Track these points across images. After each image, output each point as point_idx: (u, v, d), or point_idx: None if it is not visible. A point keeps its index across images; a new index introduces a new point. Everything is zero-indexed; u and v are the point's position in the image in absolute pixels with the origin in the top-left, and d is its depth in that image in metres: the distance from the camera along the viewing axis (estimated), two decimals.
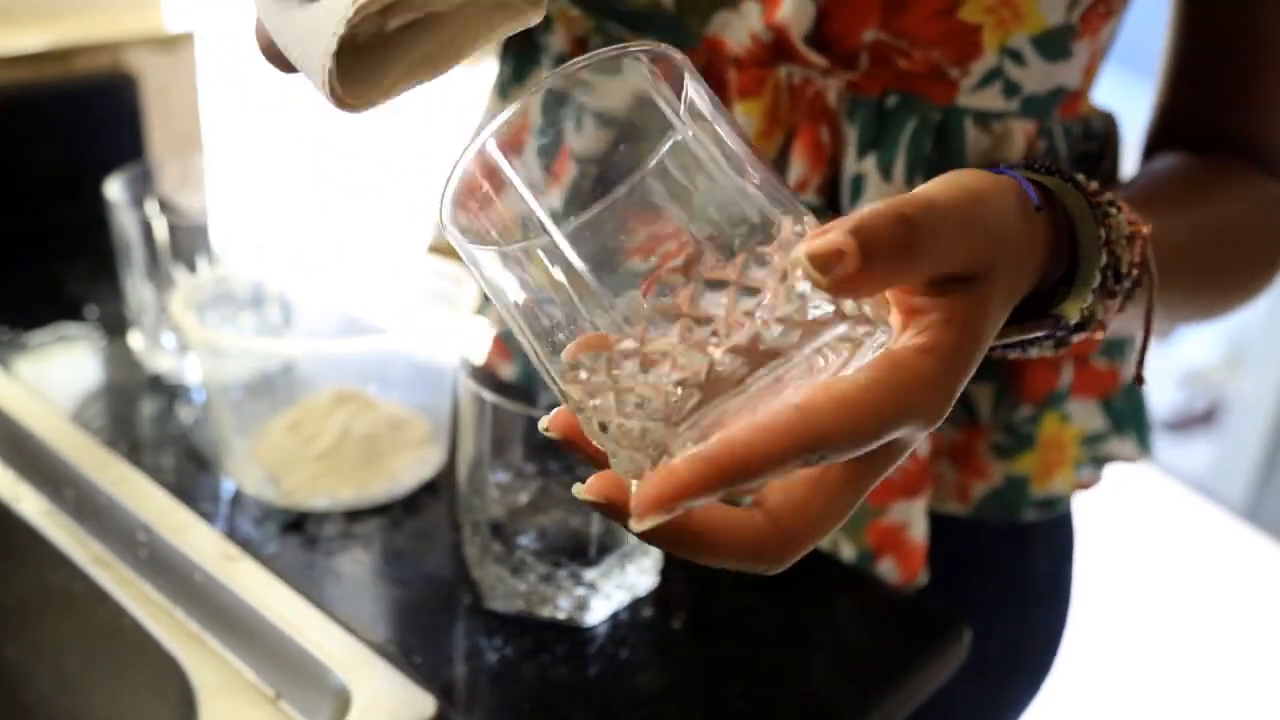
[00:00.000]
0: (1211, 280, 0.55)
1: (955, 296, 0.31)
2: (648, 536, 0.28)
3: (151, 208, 0.77)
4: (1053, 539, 0.68)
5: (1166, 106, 0.60)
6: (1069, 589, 0.71)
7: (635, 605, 0.58)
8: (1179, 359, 2.49)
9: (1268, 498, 2.29)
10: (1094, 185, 0.38)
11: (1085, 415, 0.64)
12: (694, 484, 0.27)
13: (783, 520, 0.31)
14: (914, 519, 0.60)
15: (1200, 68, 0.58)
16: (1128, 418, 0.65)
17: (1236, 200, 0.55)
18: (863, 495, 0.31)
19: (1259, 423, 2.32)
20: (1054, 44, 0.53)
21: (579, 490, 0.30)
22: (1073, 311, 0.37)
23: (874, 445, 0.29)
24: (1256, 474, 2.30)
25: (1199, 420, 2.47)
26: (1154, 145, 0.61)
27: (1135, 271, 0.38)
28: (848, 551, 0.61)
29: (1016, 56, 0.53)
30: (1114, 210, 0.38)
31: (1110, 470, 0.68)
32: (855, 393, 0.29)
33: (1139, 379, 0.43)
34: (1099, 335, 0.38)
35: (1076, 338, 0.38)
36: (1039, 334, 0.37)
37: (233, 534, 0.60)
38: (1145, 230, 0.38)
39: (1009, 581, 0.67)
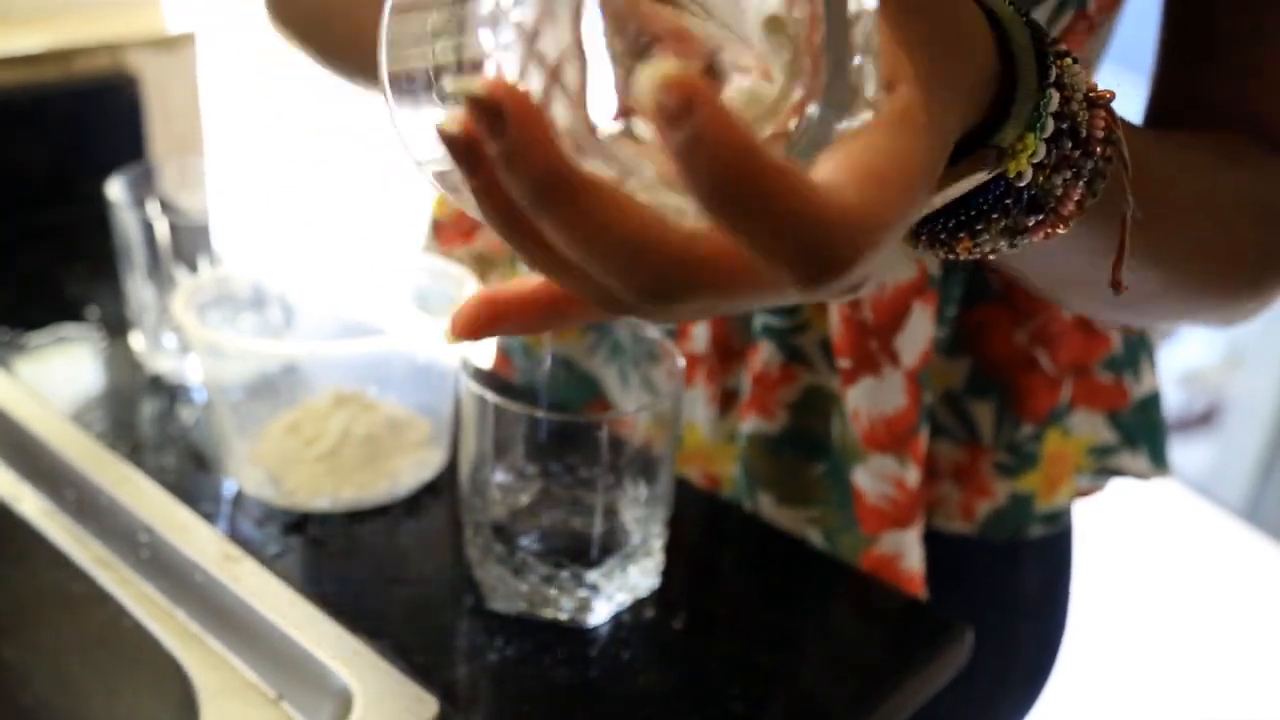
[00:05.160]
0: (1205, 234, 0.45)
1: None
2: (708, 156, 0.20)
3: (152, 208, 0.77)
4: (1047, 553, 0.67)
5: (1161, 88, 0.54)
6: (1065, 602, 0.70)
7: (637, 606, 0.58)
8: (1178, 359, 2.50)
9: (1267, 498, 2.29)
10: (1051, 34, 0.33)
11: (1089, 427, 0.63)
12: (721, 121, 0.19)
13: (864, 202, 0.23)
14: (907, 549, 0.59)
15: (1193, 39, 0.52)
16: (1140, 433, 0.65)
17: (1240, 164, 0.48)
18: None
19: (1258, 423, 2.32)
20: None
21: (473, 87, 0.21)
22: (1022, 159, 0.31)
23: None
24: (1256, 474, 2.30)
25: (1198, 421, 2.47)
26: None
27: (1100, 150, 0.33)
28: None
29: None
30: (1070, 61, 0.32)
31: (1117, 483, 0.67)
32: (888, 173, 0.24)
33: (1115, 284, 0.37)
34: (1059, 229, 0.33)
35: (1031, 220, 0.33)
36: (982, 176, 0.32)
37: (234, 535, 0.60)
38: (1109, 97, 0.33)
39: (999, 595, 0.67)
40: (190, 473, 0.66)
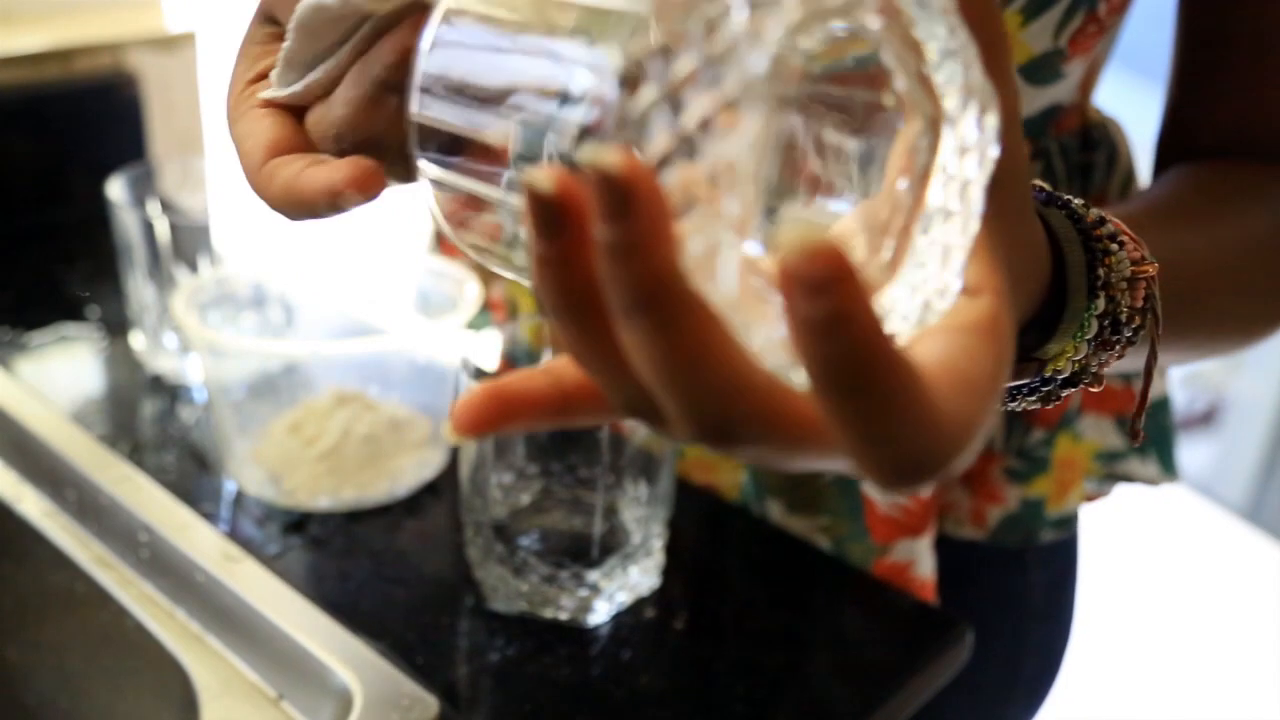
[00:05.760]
0: (1230, 310, 0.47)
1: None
2: (839, 340, 0.18)
3: (153, 208, 0.77)
4: (1052, 556, 0.67)
5: (1175, 109, 0.54)
6: (1070, 606, 0.70)
7: (637, 606, 0.58)
8: None
9: (1268, 498, 2.29)
10: (1094, 214, 0.33)
11: (1099, 432, 0.63)
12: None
13: (961, 426, 0.22)
14: (919, 557, 0.59)
15: (1208, 59, 0.52)
16: (1149, 439, 0.64)
17: (1262, 215, 0.48)
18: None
19: (1259, 423, 2.32)
20: (1042, 70, 0.51)
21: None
22: (1061, 360, 0.32)
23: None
24: (1256, 474, 2.30)
25: (1199, 421, 2.47)
26: (1166, 154, 0.55)
27: (1137, 320, 0.33)
28: None
29: None
30: (1115, 246, 0.32)
31: (1126, 489, 0.67)
32: (973, 370, 0.23)
33: (1134, 434, 0.37)
34: (1094, 388, 0.34)
35: (1066, 392, 0.34)
36: (1022, 381, 0.33)
37: (234, 534, 0.60)
38: (1152, 271, 0.33)
39: (1004, 599, 0.67)
40: (191, 472, 0.66)
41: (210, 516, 0.61)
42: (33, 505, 0.62)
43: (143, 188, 0.77)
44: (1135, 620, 1.98)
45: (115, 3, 1.04)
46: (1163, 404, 0.65)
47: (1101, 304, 0.32)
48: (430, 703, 0.49)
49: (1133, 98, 0.73)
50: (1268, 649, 1.97)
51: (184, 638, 0.55)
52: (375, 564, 0.60)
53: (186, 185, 0.80)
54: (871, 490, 0.58)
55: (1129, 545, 2.12)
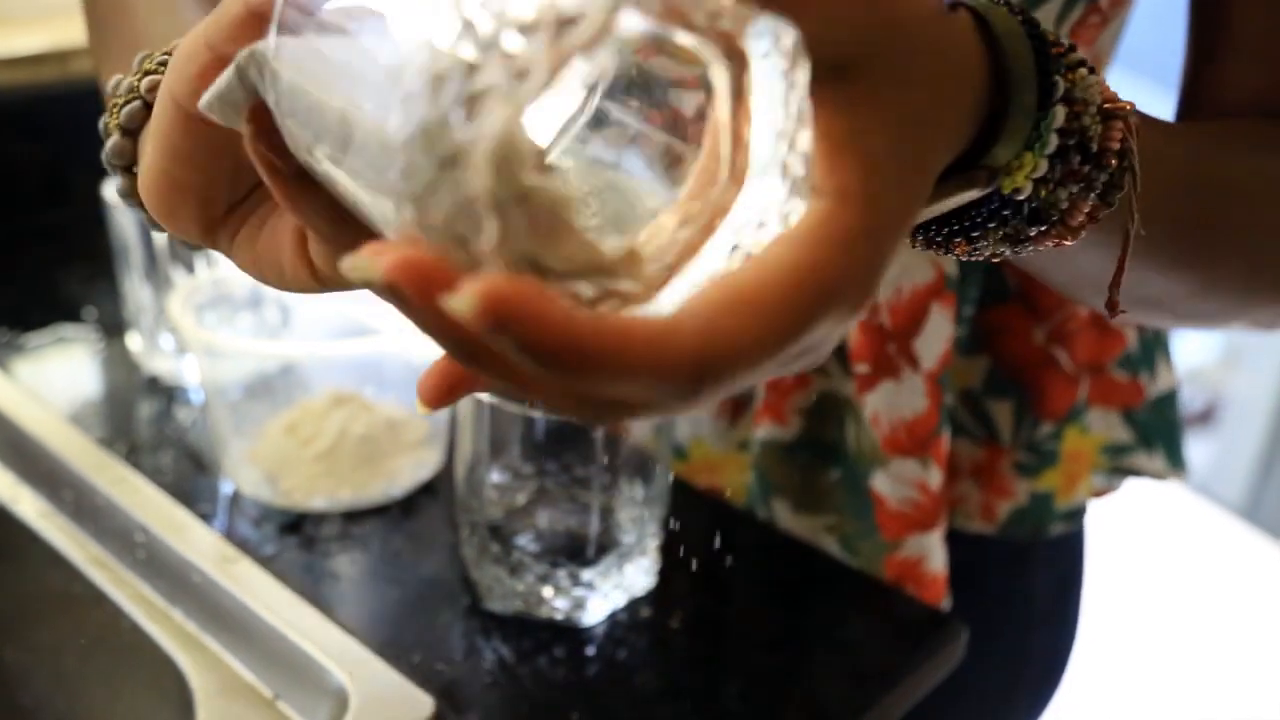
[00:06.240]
0: (1242, 228, 0.42)
1: (859, 109, 0.25)
2: (537, 357, 0.20)
3: None
4: (1058, 555, 0.67)
5: (1191, 80, 0.50)
6: (1075, 612, 0.70)
7: (633, 605, 0.58)
8: (1177, 358, 2.49)
9: (1266, 497, 2.29)
10: (1064, 41, 0.31)
11: (1105, 425, 0.63)
12: (529, 311, 0.20)
13: (708, 346, 0.22)
14: (931, 551, 0.59)
15: (1215, 31, 0.49)
16: (1156, 432, 0.64)
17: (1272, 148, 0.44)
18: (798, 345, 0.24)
19: (1257, 422, 2.32)
20: None
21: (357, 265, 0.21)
22: (1020, 176, 0.30)
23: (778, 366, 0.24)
24: (1255, 473, 2.30)
25: (1197, 420, 2.47)
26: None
27: (1113, 162, 0.31)
28: None
29: None
30: (1084, 71, 0.31)
31: (1133, 483, 0.67)
32: (761, 295, 0.23)
33: (1111, 305, 0.35)
34: (1068, 240, 0.32)
35: (1034, 230, 0.32)
36: (973, 194, 0.31)
37: (231, 535, 0.60)
38: (1128, 108, 0.31)
39: (1009, 599, 0.67)
40: (187, 473, 0.66)
41: (207, 517, 0.61)
42: (29, 506, 0.62)
43: None
44: (1132, 618, 1.98)
45: None
46: (1170, 397, 0.65)
47: (1061, 116, 0.30)
48: (426, 702, 0.49)
49: (1138, 101, 0.73)
50: (1267, 649, 1.97)
51: (180, 638, 0.55)
52: (371, 564, 0.60)
53: None
54: (881, 486, 0.58)
55: (1127, 544, 2.12)
